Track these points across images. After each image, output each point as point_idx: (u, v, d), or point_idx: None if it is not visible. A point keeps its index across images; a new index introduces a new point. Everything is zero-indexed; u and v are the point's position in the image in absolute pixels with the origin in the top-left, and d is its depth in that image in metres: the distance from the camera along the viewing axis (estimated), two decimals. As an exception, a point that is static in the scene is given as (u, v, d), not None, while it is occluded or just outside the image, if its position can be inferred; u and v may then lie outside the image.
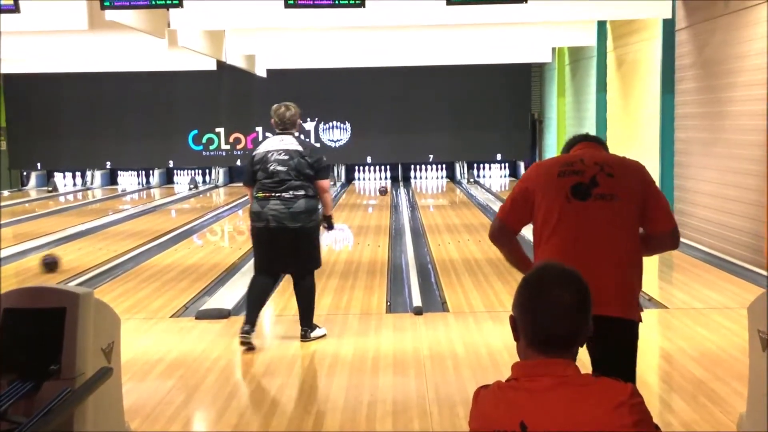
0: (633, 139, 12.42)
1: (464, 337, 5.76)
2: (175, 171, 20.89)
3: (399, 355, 5.35)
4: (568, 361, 1.80)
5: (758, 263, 8.05)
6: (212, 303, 6.90)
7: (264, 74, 16.72)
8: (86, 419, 3.10)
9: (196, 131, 20.21)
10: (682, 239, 10.79)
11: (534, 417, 1.73)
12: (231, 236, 11.86)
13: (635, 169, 3.03)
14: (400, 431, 4.05)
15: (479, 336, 5.78)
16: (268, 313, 6.66)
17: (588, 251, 2.83)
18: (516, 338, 1.88)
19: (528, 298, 1.85)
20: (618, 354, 2.90)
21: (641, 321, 3.00)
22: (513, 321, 1.88)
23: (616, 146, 13.17)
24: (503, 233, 3.08)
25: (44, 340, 3.08)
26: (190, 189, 19.41)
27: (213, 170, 20.56)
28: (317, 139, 20.12)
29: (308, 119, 20.01)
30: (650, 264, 9.30)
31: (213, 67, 15.58)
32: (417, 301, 6.74)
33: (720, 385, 4.60)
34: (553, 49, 16.80)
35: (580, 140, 3.18)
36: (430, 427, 4.08)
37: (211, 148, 20.27)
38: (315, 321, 5.80)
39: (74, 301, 3.12)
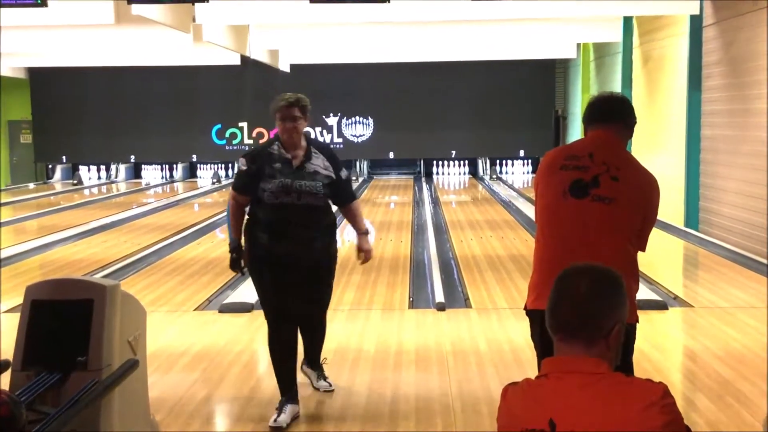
0: (659, 136, 12.31)
1: (487, 334, 5.74)
2: (198, 165, 20.99)
3: (421, 351, 5.34)
4: (598, 360, 1.78)
5: (785, 262, 7.96)
6: (235, 297, 6.92)
7: (287, 69, 16.76)
8: (113, 411, 3.12)
9: (219, 126, 20.29)
10: (706, 236, 10.67)
11: (563, 415, 1.72)
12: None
13: (646, 183, 2.90)
14: (423, 427, 4.03)
15: (502, 333, 5.76)
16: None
17: (578, 251, 2.78)
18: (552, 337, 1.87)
19: (553, 289, 1.84)
20: None
21: (637, 321, 2.93)
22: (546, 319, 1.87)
23: (642, 144, 13.05)
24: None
25: (71, 331, 3.10)
26: (213, 183, 19.50)
27: (236, 165, 20.62)
28: (340, 134, 20.13)
29: (331, 114, 20.03)
30: (675, 262, 9.23)
31: (237, 62, 15.65)
32: (440, 297, 6.72)
33: (746, 385, 4.55)
34: (578, 45, 16.70)
35: (600, 117, 2.97)
36: (454, 426, 4.07)
37: (234, 142, 20.33)
38: (337, 315, 5.80)
39: (101, 293, 3.14)
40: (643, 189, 2.90)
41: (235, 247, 4.18)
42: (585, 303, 1.77)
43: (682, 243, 10.01)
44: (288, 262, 4.10)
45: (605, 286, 1.81)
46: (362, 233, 4.39)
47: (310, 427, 4.07)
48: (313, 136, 20.55)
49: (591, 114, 3.01)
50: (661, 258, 8.84)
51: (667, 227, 11.07)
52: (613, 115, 2.97)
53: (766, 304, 6.47)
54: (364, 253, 4.39)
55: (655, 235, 11.67)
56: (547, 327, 1.83)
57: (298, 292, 4.15)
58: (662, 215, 11.59)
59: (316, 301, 4.33)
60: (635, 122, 3.03)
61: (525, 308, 3.14)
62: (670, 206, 11.54)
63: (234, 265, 4.22)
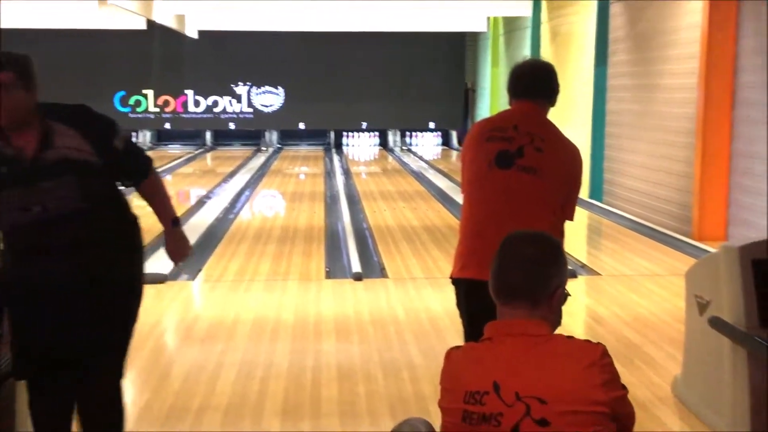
0: (566, 110, 12.61)
1: (404, 303, 5.79)
2: (100, 133, 20.30)
3: (341, 321, 5.35)
4: (541, 322, 1.82)
5: (685, 232, 8.31)
6: (147, 268, 6.74)
7: (195, 35, 16.36)
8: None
9: (123, 92, 19.66)
10: (610, 207, 11.04)
11: (507, 377, 1.75)
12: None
13: (569, 153, 2.98)
14: (347, 395, 4.05)
15: (419, 302, 5.83)
16: (200, 279, 6.58)
17: (504, 221, 2.82)
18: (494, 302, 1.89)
19: (497, 254, 1.87)
20: None
21: None
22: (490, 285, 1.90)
23: (550, 117, 13.35)
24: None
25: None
26: (117, 152, 18.93)
27: (140, 133, 20.08)
28: (249, 103, 19.83)
29: (240, 83, 19.69)
30: (579, 231, 9.51)
31: (143, 26, 15.16)
32: (356, 267, 6.74)
33: (654, 349, 4.75)
34: (488, 19, 16.88)
35: (525, 92, 3.00)
36: (376, 392, 4.10)
37: (139, 110, 19.76)
38: (254, 285, 5.74)
39: None
40: (566, 159, 2.97)
41: None
42: (531, 266, 1.81)
43: (586, 213, 10.31)
44: (51, 291, 2.71)
45: (549, 251, 1.85)
46: (169, 225, 2.98)
47: (232, 399, 4.03)
48: (221, 106, 20.71)
49: (515, 88, 3.03)
50: (567, 228, 9.08)
51: (573, 199, 11.39)
52: (538, 91, 3.01)
53: (669, 272, 6.76)
54: (172, 255, 3.04)
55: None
56: (492, 291, 1.86)
57: (72, 330, 2.75)
58: (568, 187, 12.00)
59: (101, 344, 2.82)
60: (558, 90, 3.07)
61: (450, 277, 3.16)
62: (576, 178, 11.88)
63: None
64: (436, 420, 1.95)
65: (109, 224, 2.80)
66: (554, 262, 1.84)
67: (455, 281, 3.11)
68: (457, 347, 1.90)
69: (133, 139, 2.95)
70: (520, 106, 3.00)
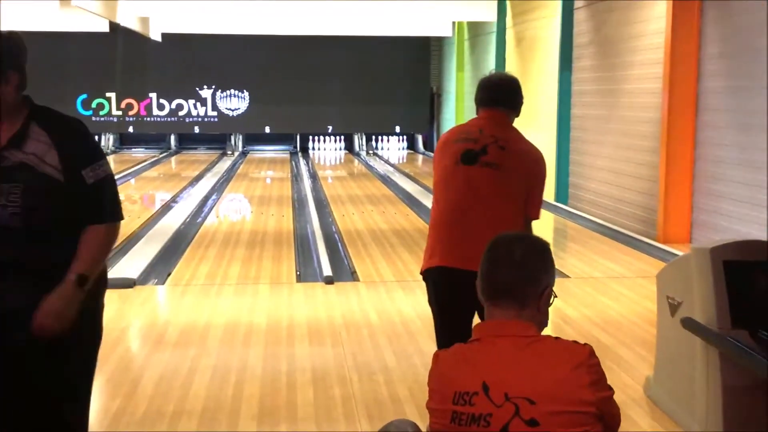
0: (531, 115, 12.73)
1: (377, 306, 5.80)
2: (62, 137, 20.03)
3: (313, 325, 5.34)
4: (529, 323, 1.84)
5: (650, 235, 8.44)
6: (115, 273, 6.68)
7: (159, 38, 16.20)
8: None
9: (85, 95, 19.42)
10: (576, 211, 11.17)
11: (496, 377, 1.77)
12: (122, 205, 11.45)
13: (530, 154, 3.15)
14: (322, 399, 4.05)
15: (391, 305, 5.84)
16: (169, 283, 6.52)
17: (467, 212, 3.04)
18: (480, 301, 1.91)
19: (486, 255, 1.89)
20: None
21: None
22: (479, 286, 1.91)
23: (515, 122, 13.45)
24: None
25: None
26: (79, 156, 18.68)
27: (103, 137, 19.85)
28: (214, 107, 19.71)
29: (205, 86, 19.55)
30: (545, 234, 9.59)
31: (106, 28, 15.00)
32: (327, 270, 6.73)
33: (625, 350, 4.81)
34: (454, 24, 16.97)
35: (492, 98, 3.18)
36: (352, 395, 4.10)
37: (102, 113, 19.54)
38: (224, 290, 5.70)
39: None
40: (527, 159, 3.14)
41: None
42: (521, 267, 1.84)
43: (552, 216, 10.42)
44: None
45: (538, 252, 1.87)
46: (73, 278, 2.38)
47: (207, 403, 4.00)
48: (185, 110, 20.54)
49: (481, 98, 3.22)
50: (533, 230, 9.18)
51: (539, 202, 11.50)
52: (503, 101, 3.20)
53: (636, 274, 6.85)
54: (40, 317, 2.34)
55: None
56: (480, 293, 1.87)
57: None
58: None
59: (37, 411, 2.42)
60: (522, 102, 3.26)
61: (421, 272, 3.27)
62: (542, 182, 11.99)
63: None
64: (416, 422, 1.97)
65: (53, 253, 2.39)
66: (543, 262, 1.87)
67: (424, 274, 3.23)
68: (446, 348, 1.91)
69: (113, 186, 2.56)
70: (486, 113, 3.19)
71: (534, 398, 1.74)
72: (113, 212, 2.56)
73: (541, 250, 1.88)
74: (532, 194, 3.13)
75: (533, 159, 3.15)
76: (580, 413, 1.74)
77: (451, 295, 3.09)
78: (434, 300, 3.19)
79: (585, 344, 1.84)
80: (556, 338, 1.85)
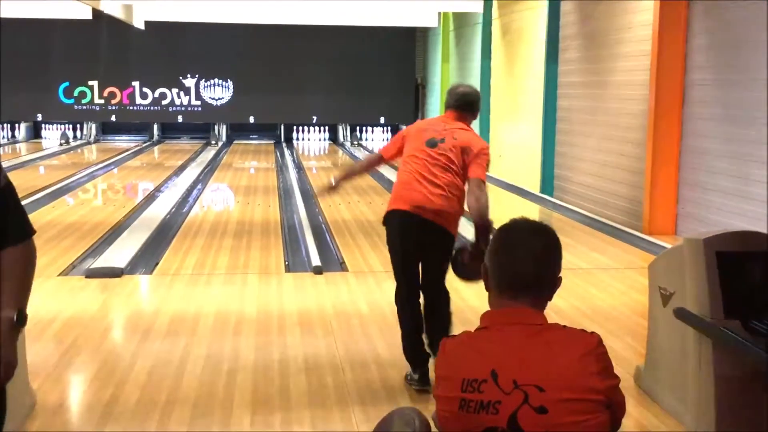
0: (517, 106, 12.75)
1: (366, 296, 5.80)
2: (43, 125, 19.86)
3: (304, 314, 5.34)
4: (537, 311, 1.85)
5: (635, 227, 8.49)
6: (102, 261, 6.64)
7: (142, 26, 16.07)
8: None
9: (67, 83, 19.24)
10: (562, 203, 11.19)
11: (505, 365, 1.77)
12: (105, 195, 11.35)
13: (474, 140, 4.16)
14: (315, 387, 4.05)
15: (381, 295, 5.83)
16: (158, 273, 6.49)
17: (425, 178, 4.05)
18: (487, 288, 1.91)
19: (502, 244, 1.89)
20: (434, 253, 4.08)
21: (456, 237, 4.12)
22: (485, 270, 1.91)
23: (501, 114, 13.48)
24: (373, 156, 4.52)
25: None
26: (61, 144, 18.52)
27: (85, 125, 19.69)
28: (198, 96, 19.59)
29: (188, 75, 19.43)
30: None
31: (88, 16, 14.85)
32: (316, 260, 6.73)
33: (615, 341, 4.84)
34: (439, 14, 16.95)
35: (456, 104, 4.22)
36: (345, 384, 4.11)
37: (84, 101, 19.37)
38: (213, 279, 5.68)
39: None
40: (470, 143, 4.12)
41: None
42: (542, 264, 1.86)
43: (537, 207, 10.46)
44: None
45: (555, 243, 1.89)
46: (10, 317, 2.05)
47: (200, 392, 3.99)
48: (169, 98, 20.37)
49: (448, 102, 4.28)
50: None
51: (524, 193, 11.55)
52: (463, 107, 4.25)
53: (624, 265, 6.89)
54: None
55: (513, 200, 12.01)
56: (499, 283, 1.87)
57: None
58: (519, 182, 12.14)
59: None
60: (479, 109, 4.40)
61: (382, 222, 4.18)
62: (527, 173, 12.03)
63: None
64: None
65: None
66: (559, 255, 1.89)
67: (385, 219, 4.15)
68: (453, 336, 1.91)
69: (16, 195, 2.20)
70: (451, 114, 4.25)
71: (543, 386, 1.74)
72: (27, 227, 2.16)
73: (556, 243, 1.89)
74: (470, 165, 4.05)
75: (474, 143, 4.12)
76: (589, 401, 1.75)
77: (409, 234, 4.07)
78: (398, 242, 4.11)
79: (593, 333, 1.85)
80: (564, 326, 1.86)
